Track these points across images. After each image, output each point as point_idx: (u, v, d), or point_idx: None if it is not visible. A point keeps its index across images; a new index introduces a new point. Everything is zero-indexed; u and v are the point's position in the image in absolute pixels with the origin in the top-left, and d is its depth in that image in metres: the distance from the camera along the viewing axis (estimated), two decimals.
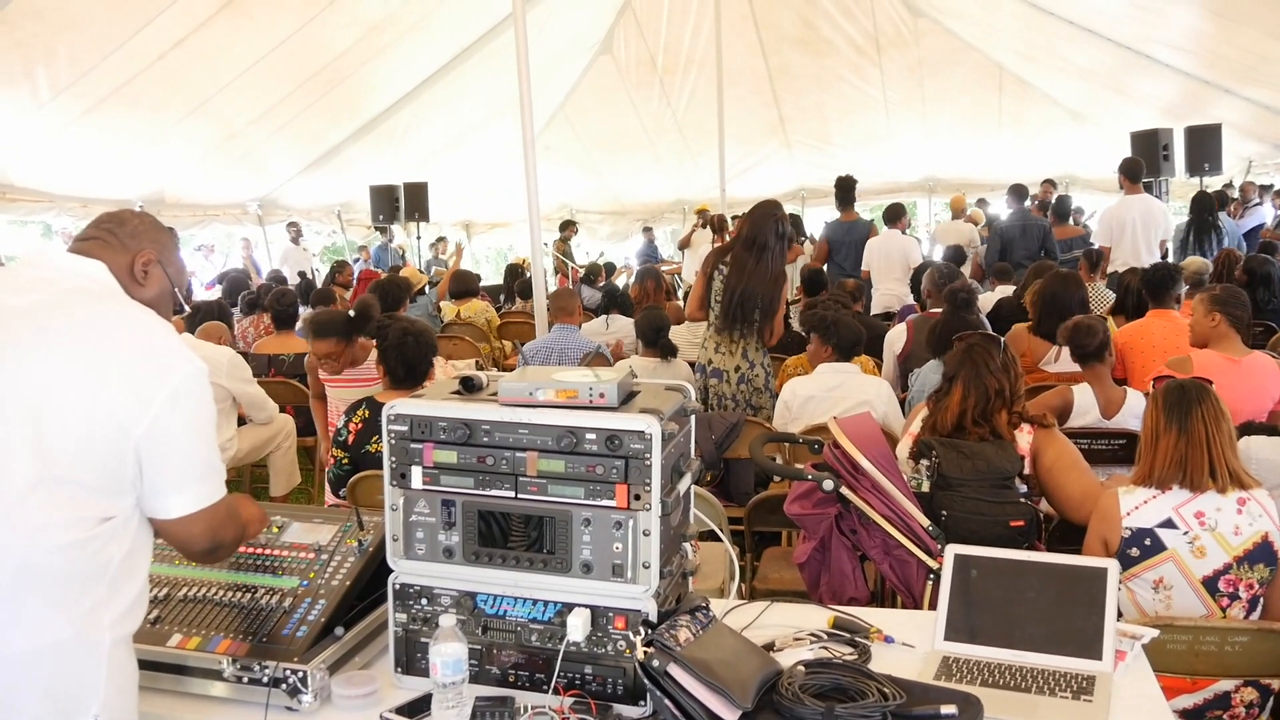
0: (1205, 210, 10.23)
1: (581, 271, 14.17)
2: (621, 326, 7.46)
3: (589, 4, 14.00)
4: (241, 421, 5.78)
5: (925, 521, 2.81)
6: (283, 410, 6.07)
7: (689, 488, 2.16)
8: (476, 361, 7.65)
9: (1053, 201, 11.06)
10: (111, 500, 1.74)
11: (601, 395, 1.97)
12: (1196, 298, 4.75)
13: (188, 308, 2.15)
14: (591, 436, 1.93)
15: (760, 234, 5.26)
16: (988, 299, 7.42)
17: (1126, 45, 12.20)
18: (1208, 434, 2.79)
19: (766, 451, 3.50)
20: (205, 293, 11.95)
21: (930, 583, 2.76)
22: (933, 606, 2.51)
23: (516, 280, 11.14)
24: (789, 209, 13.56)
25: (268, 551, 2.35)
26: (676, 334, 5.95)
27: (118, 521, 1.74)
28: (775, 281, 5.29)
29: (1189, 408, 2.83)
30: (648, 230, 17.96)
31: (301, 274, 13.11)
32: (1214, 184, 12.52)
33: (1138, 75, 12.82)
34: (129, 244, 1.95)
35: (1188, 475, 2.78)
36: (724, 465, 4.75)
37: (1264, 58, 11.10)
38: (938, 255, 11.76)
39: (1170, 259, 8.77)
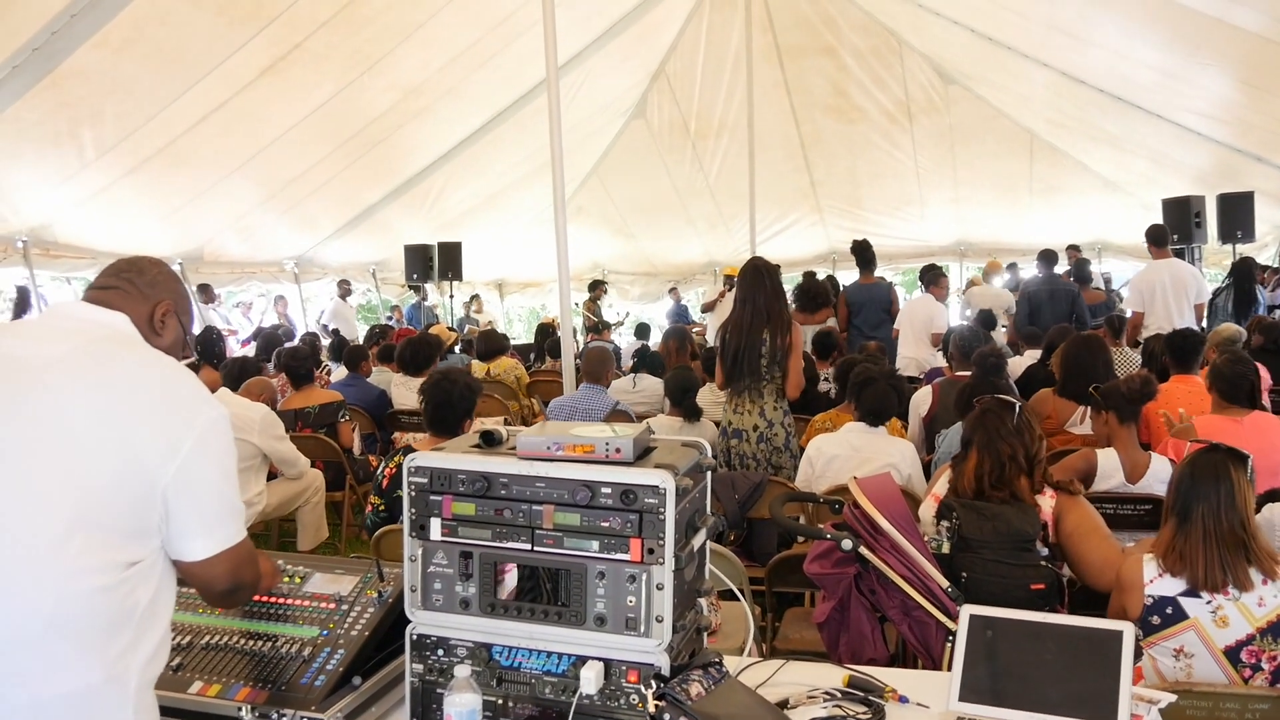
0: (1246, 279, 10.19)
1: (612, 332, 14.31)
2: (648, 386, 7.50)
3: (623, 70, 14.26)
4: (271, 476, 5.85)
5: (944, 582, 2.81)
6: (313, 465, 6.13)
7: (704, 543, 2.18)
8: (505, 419, 7.71)
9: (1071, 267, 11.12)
10: (139, 544, 1.78)
11: (618, 450, 2.00)
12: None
13: (195, 354, 2.22)
14: (607, 490, 1.96)
15: (748, 290, 5.38)
16: (1017, 364, 7.41)
17: (1158, 114, 12.24)
18: (1205, 530, 2.75)
19: (787, 511, 3.51)
20: (241, 349, 12.13)
21: (949, 644, 2.75)
22: (951, 668, 2.49)
23: (547, 339, 11.25)
24: (820, 272, 13.72)
25: (289, 601, 2.38)
26: (700, 395, 5.97)
27: (144, 565, 1.78)
28: (776, 328, 5.34)
29: (1191, 503, 2.79)
30: (673, 290, 18.11)
31: (335, 331, 13.28)
32: (1243, 252, 12.48)
33: (1170, 143, 12.84)
34: (148, 294, 2.02)
35: (1191, 574, 2.75)
36: (747, 525, 4.75)
37: None
38: (970, 317, 11.76)
39: (1205, 323, 8.75)
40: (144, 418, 1.78)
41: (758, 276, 5.42)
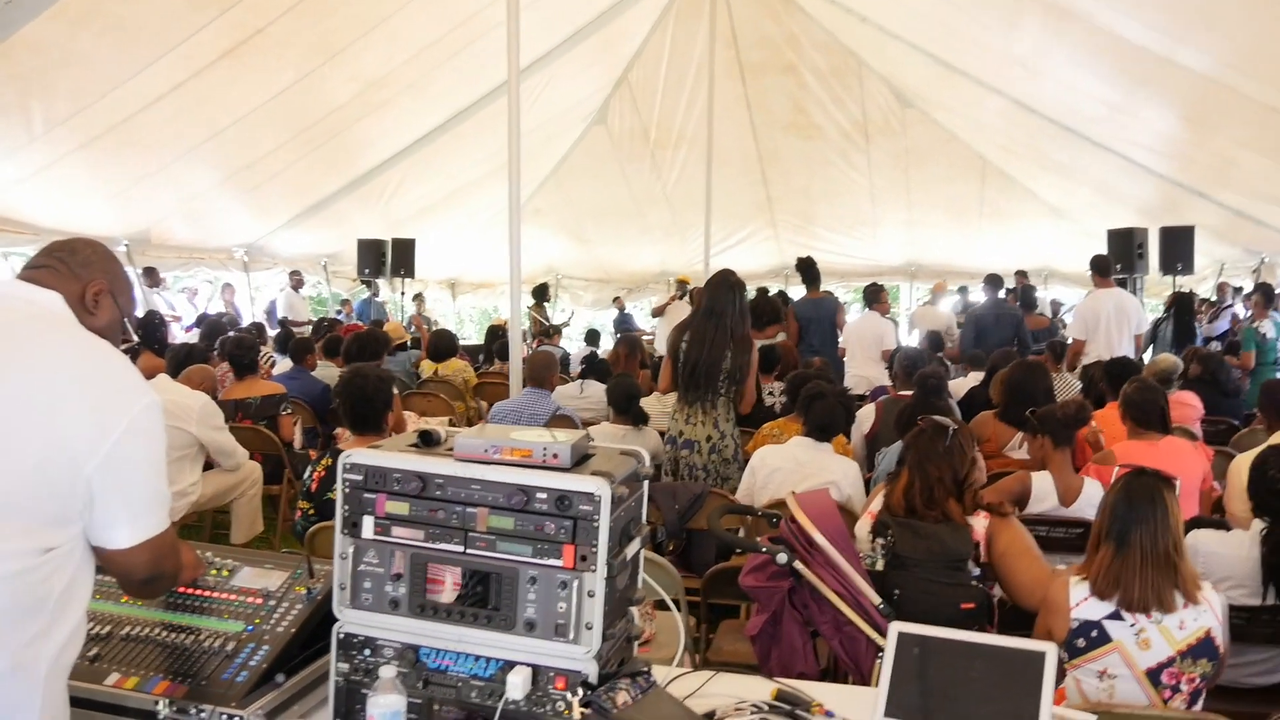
0: (1185, 312, 10.46)
1: (561, 336, 14.28)
2: (595, 392, 7.48)
3: (586, 76, 14.26)
4: (209, 466, 5.75)
5: (876, 599, 2.83)
6: (251, 457, 6.04)
7: (638, 552, 2.17)
8: (450, 419, 7.66)
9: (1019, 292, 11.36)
10: (57, 530, 1.74)
11: (555, 456, 1.99)
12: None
13: (136, 337, 2.17)
14: (542, 496, 1.95)
15: (717, 303, 5.36)
16: (960, 384, 7.51)
17: (1104, 145, 12.50)
18: (1143, 553, 2.79)
19: (726, 523, 3.52)
20: (185, 335, 11.94)
21: (879, 660, 2.77)
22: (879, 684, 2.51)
23: (497, 341, 11.21)
24: (772, 286, 13.83)
25: (215, 594, 2.34)
26: (647, 403, 5.97)
27: (60, 551, 1.74)
28: (739, 347, 5.34)
29: (1129, 526, 2.83)
30: (617, 299, 18.15)
31: (282, 321, 13.11)
32: (1183, 284, 12.78)
33: (1115, 174, 13.12)
34: (80, 273, 1.97)
35: (1124, 596, 2.79)
36: (686, 535, 4.75)
37: (1234, 163, 11.39)
38: (915, 338, 11.92)
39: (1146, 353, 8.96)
40: (71, 401, 1.74)
41: (730, 292, 5.39)
